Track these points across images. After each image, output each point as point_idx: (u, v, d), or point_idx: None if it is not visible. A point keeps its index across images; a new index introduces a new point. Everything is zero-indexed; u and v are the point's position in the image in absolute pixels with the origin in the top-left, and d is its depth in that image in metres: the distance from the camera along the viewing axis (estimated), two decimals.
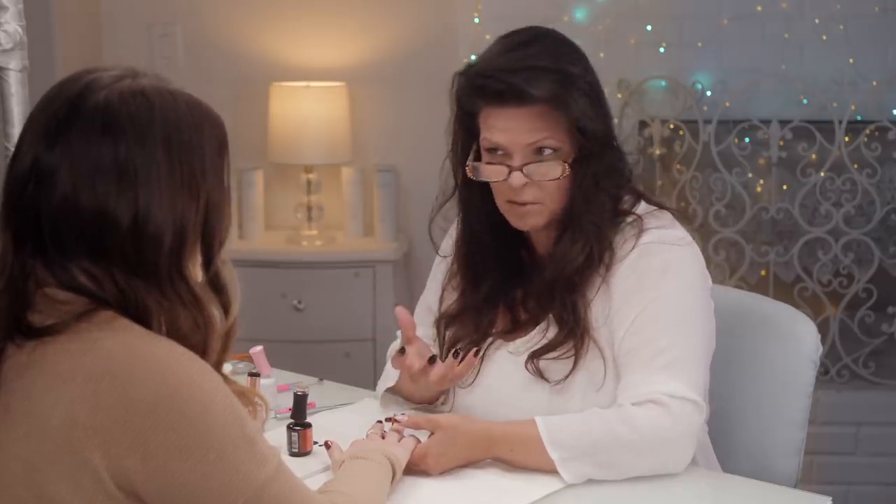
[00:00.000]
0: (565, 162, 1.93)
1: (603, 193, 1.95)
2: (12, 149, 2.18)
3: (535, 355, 1.96)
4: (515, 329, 2.03)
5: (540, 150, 1.94)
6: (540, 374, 1.95)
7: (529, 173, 1.93)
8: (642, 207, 2.00)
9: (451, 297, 2.10)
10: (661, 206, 2.01)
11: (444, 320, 2.09)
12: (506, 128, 1.94)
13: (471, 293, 2.07)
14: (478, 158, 1.99)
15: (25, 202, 1.40)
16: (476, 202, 2.04)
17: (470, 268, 2.08)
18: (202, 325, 1.43)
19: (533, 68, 1.92)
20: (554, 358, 1.94)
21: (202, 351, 1.42)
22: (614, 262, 1.94)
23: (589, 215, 1.95)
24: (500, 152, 1.95)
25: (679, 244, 1.96)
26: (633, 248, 1.94)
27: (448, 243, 2.16)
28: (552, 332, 1.96)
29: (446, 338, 2.08)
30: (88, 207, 1.38)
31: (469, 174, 1.99)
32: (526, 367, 1.96)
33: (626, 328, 1.91)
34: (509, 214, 2.00)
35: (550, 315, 1.97)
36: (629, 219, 1.97)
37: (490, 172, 1.97)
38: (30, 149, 1.41)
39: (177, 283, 1.42)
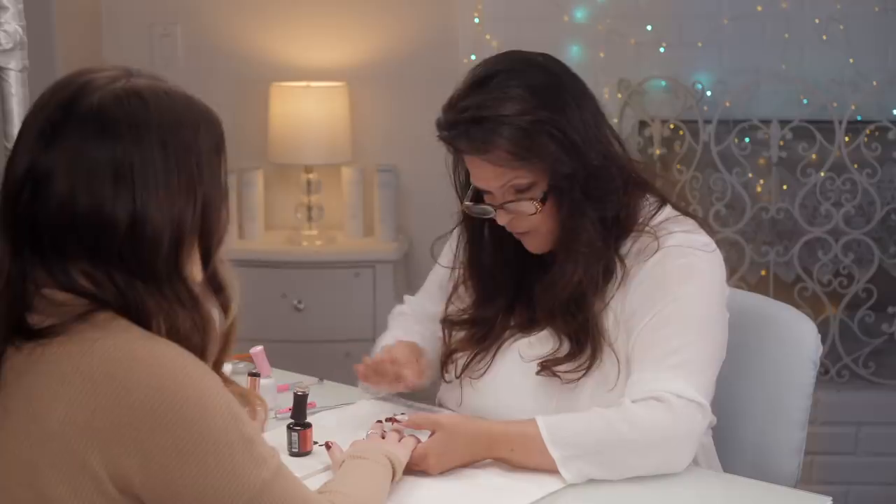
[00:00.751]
0: (534, 199, 1.94)
1: (587, 220, 1.94)
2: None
3: (546, 366, 1.96)
4: (532, 324, 2.04)
5: (514, 188, 1.95)
6: (552, 374, 1.96)
7: (509, 210, 1.97)
8: (668, 211, 2.00)
9: (461, 302, 2.11)
10: (686, 213, 2.02)
11: (449, 324, 2.10)
12: (477, 174, 1.97)
13: (483, 305, 2.08)
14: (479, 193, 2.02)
15: (23, 205, 1.40)
16: (479, 230, 2.07)
17: (482, 286, 2.09)
18: (201, 325, 1.43)
19: (482, 120, 1.90)
20: (566, 371, 1.95)
21: (201, 351, 1.42)
22: (636, 264, 1.95)
23: (576, 243, 1.95)
24: (485, 191, 1.99)
25: (704, 250, 1.97)
26: (658, 249, 1.94)
27: (447, 254, 2.18)
28: (566, 343, 1.97)
29: (451, 340, 2.08)
30: (86, 209, 1.38)
31: (466, 211, 2.03)
32: (537, 374, 1.97)
33: (643, 326, 1.92)
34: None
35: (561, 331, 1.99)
36: (646, 229, 1.97)
37: (481, 211, 2.00)
38: (26, 152, 1.41)
39: (175, 284, 1.42)
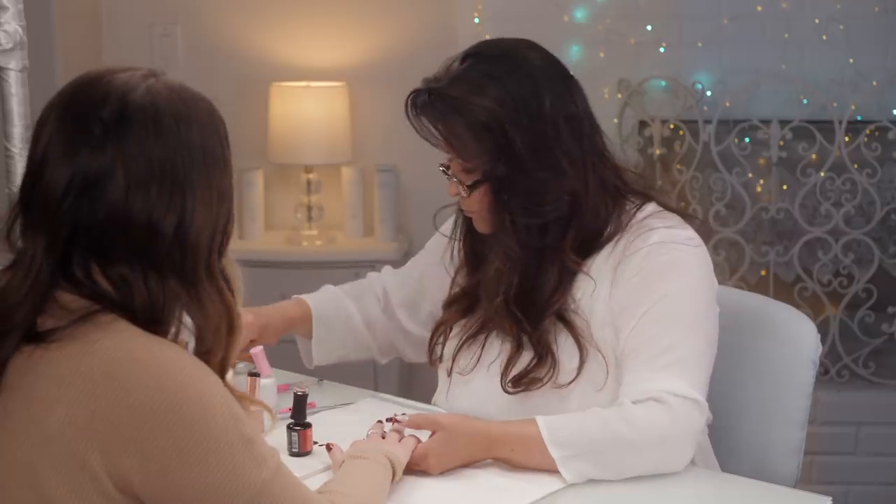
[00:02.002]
0: (463, 182, 1.96)
1: (507, 222, 1.96)
2: (13, 149, 2.20)
3: (513, 383, 1.97)
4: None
5: (459, 164, 1.98)
6: (525, 386, 1.96)
7: (451, 181, 2.00)
8: (650, 208, 2.00)
9: (458, 285, 2.13)
10: (671, 208, 2.02)
11: (447, 304, 2.13)
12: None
13: (472, 275, 2.09)
14: None
15: (63, 212, 1.38)
16: None
17: (471, 251, 2.10)
18: (226, 320, 1.43)
19: (444, 97, 1.95)
20: (538, 387, 1.95)
21: (225, 348, 1.42)
22: (621, 262, 1.94)
23: (497, 240, 1.98)
24: None
25: (687, 244, 1.96)
26: (642, 247, 1.94)
27: (437, 242, 2.21)
28: (525, 353, 1.98)
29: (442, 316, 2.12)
30: (140, 214, 1.37)
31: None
32: (505, 390, 1.97)
33: (632, 326, 1.91)
34: None
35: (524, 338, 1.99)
36: (628, 226, 1.97)
37: (444, 173, 2.04)
38: (66, 157, 1.38)
39: (209, 282, 1.42)
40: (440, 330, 2.11)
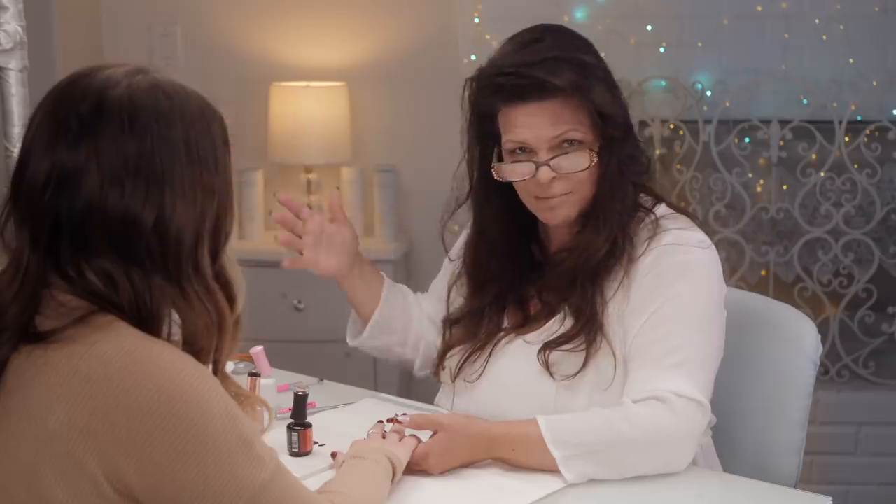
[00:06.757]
0: (591, 150, 1.94)
1: (626, 181, 1.97)
2: (12, 149, 2.20)
3: (548, 346, 1.96)
4: (527, 323, 2.04)
5: (564, 143, 1.94)
6: (548, 368, 1.95)
7: (557, 167, 1.94)
8: (662, 209, 2.01)
9: (457, 300, 2.11)
10: (680, 210, 2.03)
11: (448, 323, 2.10)
12: (528, 123, 1.94)
13: (476, 296, 2.08)
14: (500, 160, 2.00)
15: (43, 205, 1.38)
16: (491, 206, 2.06)
17: (477, 270, 2.09)
18: (216, 320, 1.43)
19: (550, 59, 1.92)
20: (568, 350, 1.94)
21: (215, 347, 1.42)
22: (633, 259, 1.95)
23: (614, 203, 1.96)
24: (524, 150, 1.96)
25: (700, 247, 1.97)
26: (654, 247, 1.94)
27: (459, 245, 2.17)
28: (568, 323, 1.97)
29: (448, 337, 2.09)
30: (115, 207, 1.37)
31: (495, 176, 2.00)
32: (538, 357, 1.96)
33: (640, 325, 1.91)
34: (538, 210, 2.01)
35: (566, 307, 1.97)
36: (647, 214, 1.98)
37: (515, 172, 1.97)
38: (46, 151, 1.39)
39: (194, 280, 1.42)
40: (451, 352, 2.09)
